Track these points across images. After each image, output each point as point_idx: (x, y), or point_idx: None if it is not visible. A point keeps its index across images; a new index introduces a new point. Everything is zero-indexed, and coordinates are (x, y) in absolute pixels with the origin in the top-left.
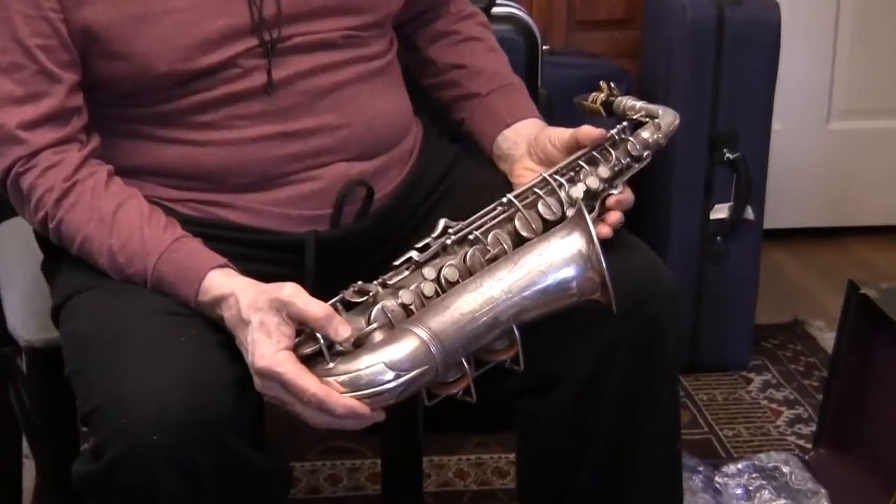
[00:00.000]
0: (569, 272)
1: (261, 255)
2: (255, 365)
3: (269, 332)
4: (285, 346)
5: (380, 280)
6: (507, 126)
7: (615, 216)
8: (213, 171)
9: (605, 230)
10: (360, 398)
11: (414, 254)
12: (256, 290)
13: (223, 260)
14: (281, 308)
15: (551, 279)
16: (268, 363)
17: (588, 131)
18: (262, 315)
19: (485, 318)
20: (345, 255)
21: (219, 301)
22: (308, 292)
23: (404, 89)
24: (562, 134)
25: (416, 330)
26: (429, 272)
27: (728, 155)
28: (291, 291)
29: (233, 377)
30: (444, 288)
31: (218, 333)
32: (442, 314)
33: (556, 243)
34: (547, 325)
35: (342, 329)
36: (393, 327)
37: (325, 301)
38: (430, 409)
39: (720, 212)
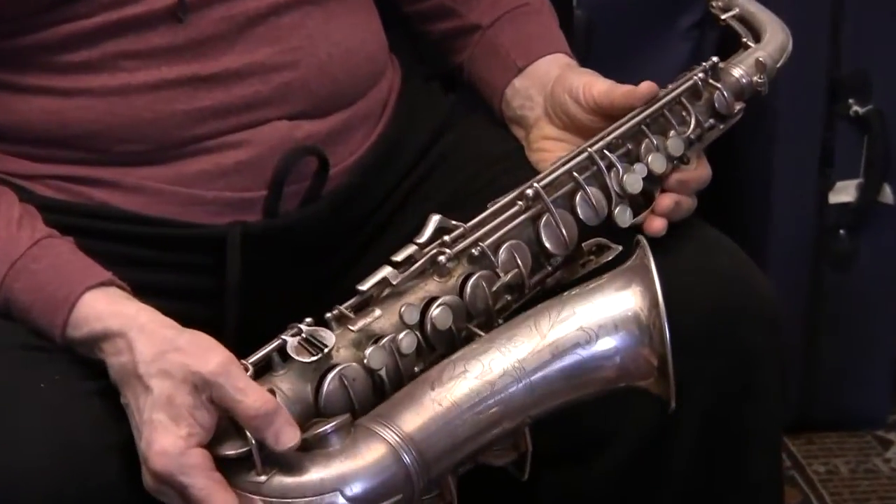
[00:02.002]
0: (611, 343)
1: (160, 259)
2: (151, 463)
3: (178, 415)
4: (198, 441)
5: (337, 312)
6: (519, 71)
7: (667, 202)
8: (89, 134)
9: (657, 224)
10: None
11: (389, 272)
12: (163, 339)
13: (107, 275)
14: (202, 388)
15: (587, 355)
16: (168, 466)
17: (630, 93)
18: (172, 386)
19: (486, 416)
20: (286, 258)
21: (99, 339)
22: (232, 312)
23: (375, 15)
24: (589, 87)
25: (388, 438)
26: (409, 314)
27: (856, 108)
28: (219, 368)
29: (118, 438)
30: (431, 339)
31: (96, 377)
32: (425, 409)
33: (603, 305)
34: None
35: (286, 435)
36: (354, 421)
37: (254, 334)
38: None
39: (844, 192)
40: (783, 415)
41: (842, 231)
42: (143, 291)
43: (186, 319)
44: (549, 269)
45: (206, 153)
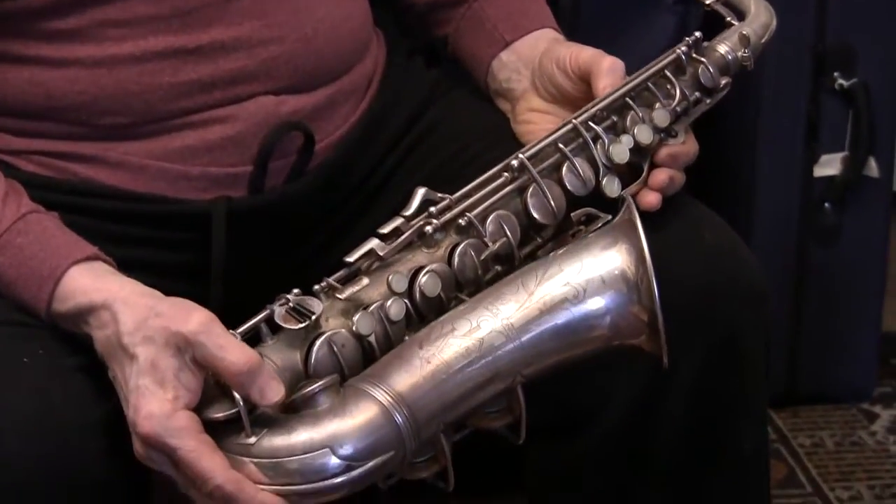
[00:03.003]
0: (600, 302)
1: (145, 235)
2: (138, 427)
3: (163, 379)
4: (185, 403)
5: (325, 283)
6: (506, 45)
7: (663, 176)
8: (74, 106)
9: (651, 199)
10: (287, 494)
11: (376, 244)
12: (145, 307)
13: (93, 249)
14: (184, 348)
15: (577, 313)
16: (156, 428)
17: (612, 65)
18: (155, 351)
19: (477, 374)
20: (271, 234)
21: (84, 313)
22: (216, 288)
23: None
24: (576, 55)
25: (378, 396)
26: (397, 281)
27: (841, 81)
28: (200, 326)
29: (102, 416)
30: (420, 307)
31: (80, 353)
32: (414, 367)
33: (590, 262)
34: None
35: (271, 390)
36: (343, 383)
37: (240, 313)
38: None
39: (829, 166)
40: (769, 389)
41: (827, 205)
42: (127, 267)
43: (170, 296)
44: (540, 240)
45: (190, 128)
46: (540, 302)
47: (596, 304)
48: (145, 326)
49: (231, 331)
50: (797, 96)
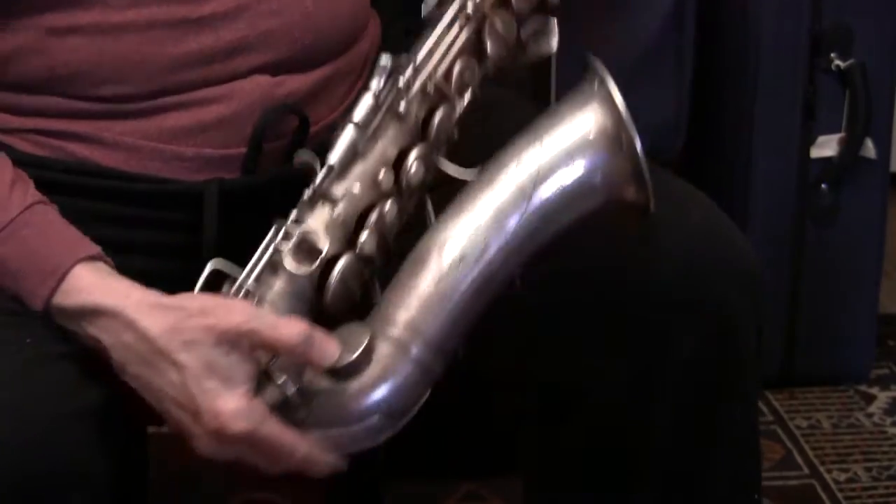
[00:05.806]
0: (591, 161)
1: (137, 216)
2: (230, 428)
3: (228, 376)
4: (253, 394)
5: (311, 192)
6: None
7: None
8: (74, 75)
9: None
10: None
11: (354, 136)
12: (170, 312)
13: (95, 248)
14: (237, 342)
15: (571, 178)
16: (249, 424)
17: None
18: (206, 353)
19: (478, 281)
20: (263, 216)
21: (89, 314)
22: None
23: None
24: None
25: (413, 351)
26: (387, 179)
27: (838, 62)
28: (245, 315)
29: (88, 404)
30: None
31: (67, 341)
32: (443, 309)
33: (567, 129)
34: (565, 321)
35: (329, 348)
36: (367, 323)
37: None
38: (395, 447)
39: (826, 147)
40: (761, 370)
41: (824, 186)
42: (120, 247)
43: (163, 276)
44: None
45: (185, 108)
46: (524, 169)
47: (586, 164)
48: (181, 330)
49: (245, 274)
50: (794, 77)
